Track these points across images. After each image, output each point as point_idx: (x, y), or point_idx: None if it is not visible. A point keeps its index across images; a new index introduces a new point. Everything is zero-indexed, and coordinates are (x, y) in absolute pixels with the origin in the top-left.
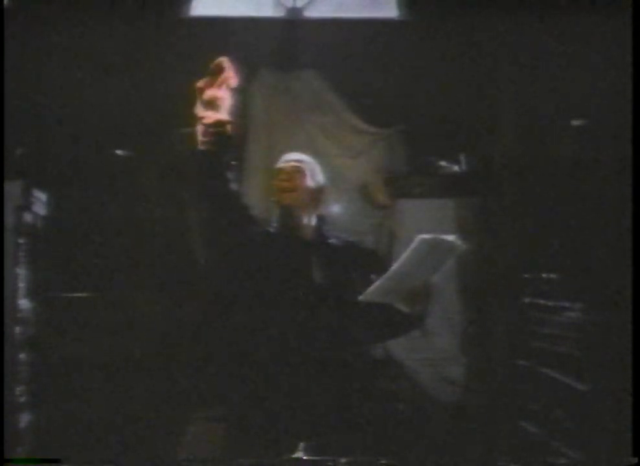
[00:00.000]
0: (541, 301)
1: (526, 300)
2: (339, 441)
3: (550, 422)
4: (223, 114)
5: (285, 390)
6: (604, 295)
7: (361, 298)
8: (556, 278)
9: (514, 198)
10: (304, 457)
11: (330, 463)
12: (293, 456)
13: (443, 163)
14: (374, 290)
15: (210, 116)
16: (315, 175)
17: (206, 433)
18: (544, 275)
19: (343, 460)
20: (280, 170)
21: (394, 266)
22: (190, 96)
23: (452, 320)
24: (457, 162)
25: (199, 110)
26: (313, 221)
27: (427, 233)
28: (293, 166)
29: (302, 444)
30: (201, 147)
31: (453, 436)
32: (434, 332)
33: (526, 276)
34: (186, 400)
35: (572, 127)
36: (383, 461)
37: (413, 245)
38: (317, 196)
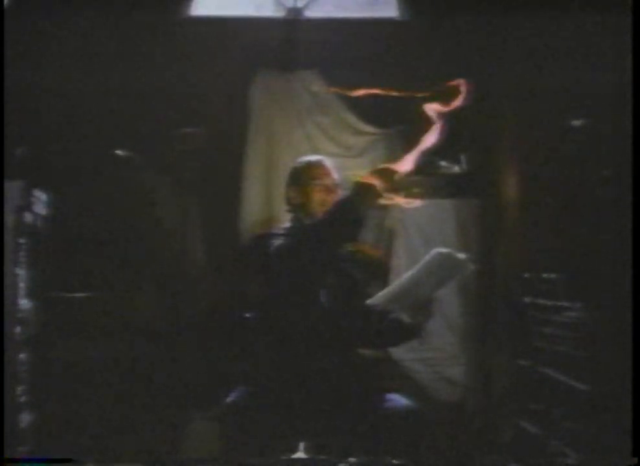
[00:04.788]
0: (541, 301)
1: (526, 300)
2: (338, 441)
3: (550, 422)
4: None
5: (286, 390)
6: (604, 295)
7: (369, 301)
8: (556, 278)
9: (514, 198)
10: (305, 457)
11: (329, 463)
12: (293, 456)
13: (443, 163)
14: (383, 295)
15: None
16: (335, 173)
17: (206, 433)
18: (544, 275)
19: (348, 460)
20: (309, 170)
21: (407, 274)
22: None
23: (452, 320)
24: (457, 162)
25: None
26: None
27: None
28: (322, 166)
29: (302, 444)
30: None
31: (453, 436)
32: (434, 332)
33: (526, 275)
34: (186, 400)
35: (572, 127)
36: (387, 461)
37: (428, 258)
38: (335, 195)
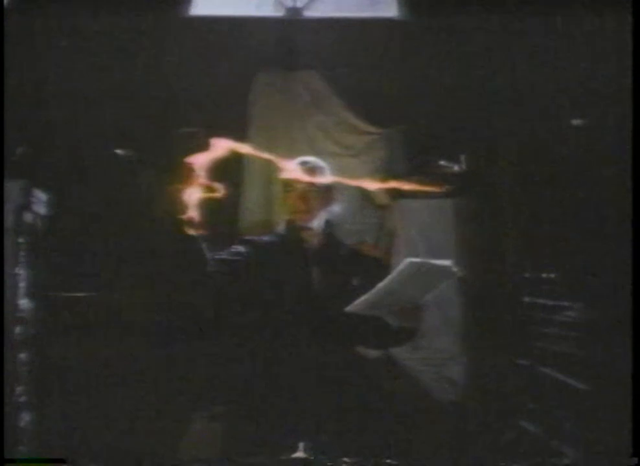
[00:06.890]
0: (541, 301)
1: (526, 300)
2: (339, 441)
3: (550, 422)
4: None
5: (286, 390)
6: (604, 295)
7: (348, 308)
8: (556, 278)
9: (513, 198)
10: (305, 457)
11: (329, 463)
12: (293, 456)
13: (443, 163)
14: (360, 303)
15: None
16: (324, 175)
17: (206, 433)
18: (544, 274)
19: (348, 460)
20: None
21: (381, 284)
22: None
23: (452, 320)
24: (457, 162)
25: None
26: (321, 226)
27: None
28: (305, 169)
29: (302, 444)
30: None
31: (453, 436)
32: (434, 332)
33: (526, 275)
34: (186, 400)
35: (572, 127)
36: (387, 461)
37: (400, 267)
38: (327, 197)
